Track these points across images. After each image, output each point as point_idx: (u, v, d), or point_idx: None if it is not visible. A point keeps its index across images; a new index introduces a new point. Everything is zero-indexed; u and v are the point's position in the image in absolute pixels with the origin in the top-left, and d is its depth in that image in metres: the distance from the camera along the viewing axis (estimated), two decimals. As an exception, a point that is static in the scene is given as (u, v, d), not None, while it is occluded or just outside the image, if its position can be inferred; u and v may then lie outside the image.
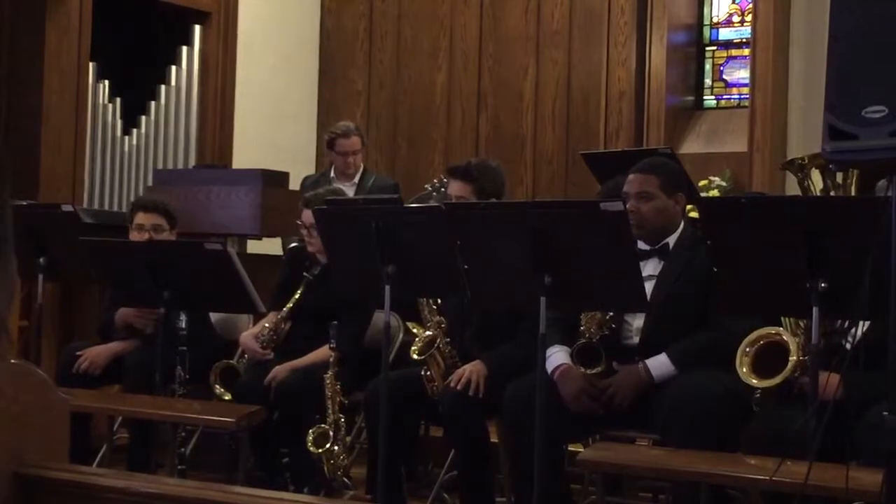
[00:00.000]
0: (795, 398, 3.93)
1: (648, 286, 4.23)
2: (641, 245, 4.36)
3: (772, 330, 4.06)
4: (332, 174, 7.06)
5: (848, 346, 3.73)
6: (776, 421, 3.81)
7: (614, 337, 4.39)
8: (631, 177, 4.45)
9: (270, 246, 7.35)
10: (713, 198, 5.07)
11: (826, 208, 3.75)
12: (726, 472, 3.62)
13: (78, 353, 5.52)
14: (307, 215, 5.22)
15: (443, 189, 6.12)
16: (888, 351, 2.78)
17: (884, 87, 2.70)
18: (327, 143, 7.08)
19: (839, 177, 4.38)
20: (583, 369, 4.36)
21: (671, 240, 4.43)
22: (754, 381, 4.00)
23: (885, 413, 2.80)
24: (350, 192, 6.70)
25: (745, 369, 4.02)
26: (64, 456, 2.26)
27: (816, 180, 4.55)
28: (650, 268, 4.37)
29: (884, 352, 2.79)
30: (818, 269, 3.51)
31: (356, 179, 7.00)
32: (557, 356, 4.38)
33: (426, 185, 6.56)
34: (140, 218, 5.60)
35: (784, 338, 4.01)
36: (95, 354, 5.49)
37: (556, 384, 4.31)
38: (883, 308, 2.79)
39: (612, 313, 4.37)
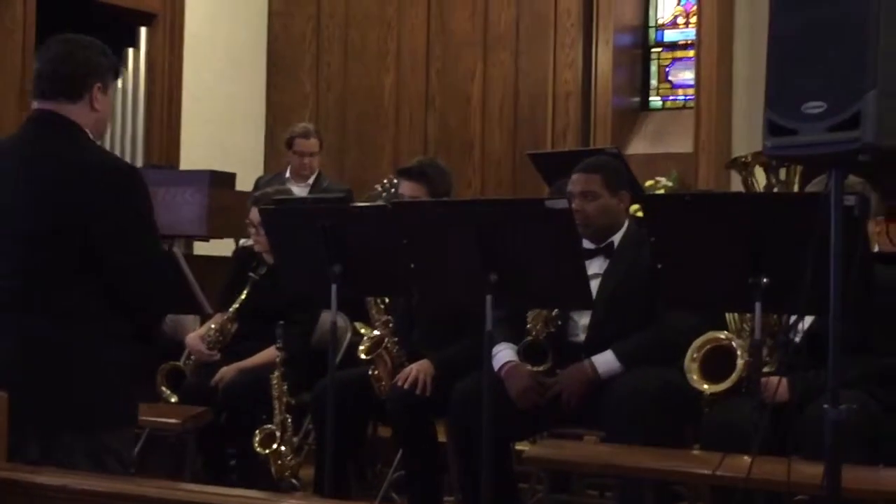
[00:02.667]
0: (744, 394, 3.96)
1: (594, 284, 4.25)
2: (586, 244, 4.37)
3: (720, 335, 4.09)
4: (286, 175, 7.04)
5: (795, 339, 3.78)
6: (727, 416, 3.84)
7: (560, 334, 4.41)
8: (574, 176, 4.46)
9: (218, 247, 7.31)
10: (657, 195, 5.10)
11: (767, 205, 3.78)
12: (670, 466, 3.65)
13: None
14: (255, 213, 5.21)
15: (392, 190, 6.11)
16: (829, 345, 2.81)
17: (822, 82, 2.74)
18: (286, 143, 7.07)
19: (782, 174, 4.43)
20: (529, 367, 4.37)
21: (616, 238, 4.45)
22: (705, 386, 4.04)
23: (826, 406, 2.83)
24: (304, 194, 6.67)
25: (695, 376, 4.05)
26: (2, 454, 2.23)
27: (760, 178, 4.60)
28: (595, 266, 4.38)
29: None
30: (760, 264, 3.54)
31: (310, 181, 6.98)
32: (504, 354, 4.39)
33: (376, 186, 6.55)
34: None
35: (731, 342, 4.04)
36: None
37: (504, 381, 4.32)
38: (824, 303, 2.82)
39: (557, 311, 4.38)
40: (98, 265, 3.16)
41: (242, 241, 6.24)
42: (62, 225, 3.13)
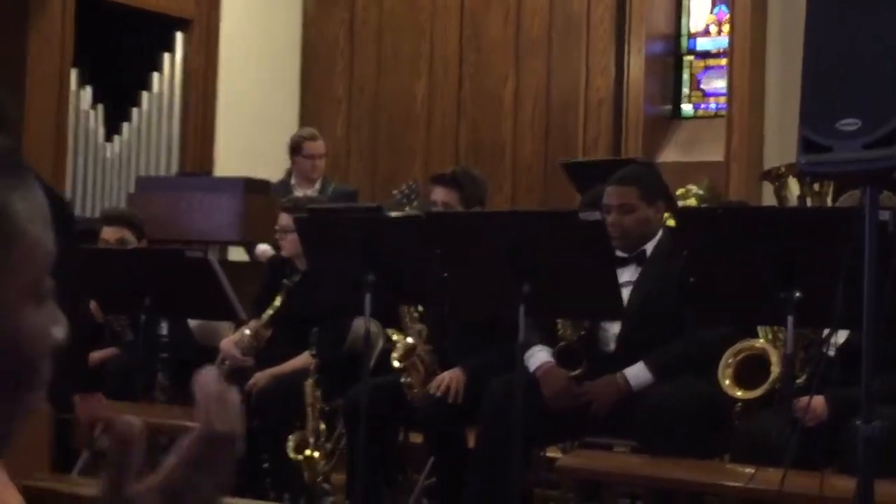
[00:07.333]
0: (775, 407, 3.97)
1: (625, 292, 4.26)
2: (619, 252, 4.38)
3: (756, 342, 4.10)
4: (292, 181, 7.03)
5: (829, 353, 3.78)
6: (758, 428, 3.85)
7: (592, 344, 4.42)
8: (610, 188, 4.44)
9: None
10: (690, 208, 5.10)
11: (801, 219, 3.79)
12: (702, 479, 3.66)
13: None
14: (284, 218, 5.27)
15: (412, 195, 6.14)
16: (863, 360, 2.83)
17: (857, 100, 2.75)
18: (292, 148, 7.02)
19: (816, 185, 4.44)
20: (564, 370, 4.38)
21: (649, 247, 4.45)
22: (739, 393, 4.04)
23: (858, 422, 2.85)
24: None
25: (727, 381, 4.06)
26: (45, 465, 2.27)
27: (793, 189, 4.60)
28: (628, 274, 4.38)
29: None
30: (793, 278, 3.55)
31: (317, 186, 6.98)
32: (540, 356, 4.38)
33: (394, 192, 6.57)
34: (105, 233, 5.57)
35: (766, 350, 4.05)
36: None
37: (539, 382, 4.32)
38: (856, 318, 2.83)
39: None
40: None
41: (263, 249, 6.29)
42: None
